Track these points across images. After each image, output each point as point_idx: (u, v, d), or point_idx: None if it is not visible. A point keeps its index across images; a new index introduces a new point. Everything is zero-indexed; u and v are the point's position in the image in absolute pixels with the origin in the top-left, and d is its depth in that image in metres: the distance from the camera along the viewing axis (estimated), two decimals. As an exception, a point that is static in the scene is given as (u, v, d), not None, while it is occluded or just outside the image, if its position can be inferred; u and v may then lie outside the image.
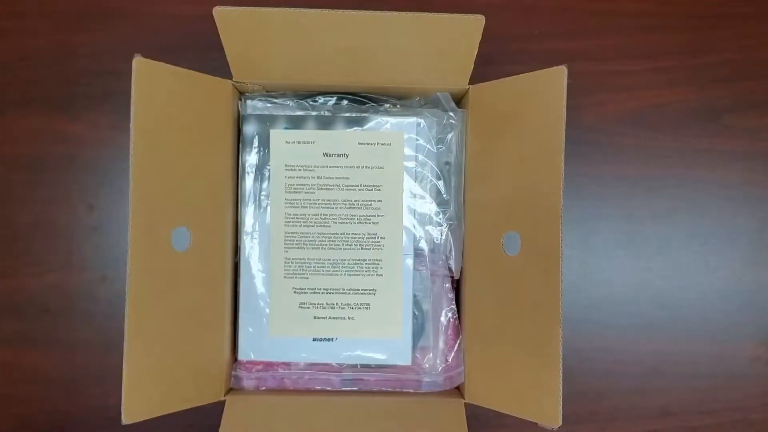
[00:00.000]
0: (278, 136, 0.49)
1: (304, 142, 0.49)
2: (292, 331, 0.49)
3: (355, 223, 0.49)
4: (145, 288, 0.40)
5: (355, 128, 0.49)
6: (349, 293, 0.49)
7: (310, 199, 0.49)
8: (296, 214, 0.49)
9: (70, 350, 0.53)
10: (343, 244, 0.49)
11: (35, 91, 0.54)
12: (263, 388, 0.49)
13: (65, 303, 0.53)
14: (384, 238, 0.49)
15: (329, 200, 0.49)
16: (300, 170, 0.49)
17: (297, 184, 0.49)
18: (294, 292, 0.49)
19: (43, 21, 0.55)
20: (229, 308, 0.48)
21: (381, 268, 0.49)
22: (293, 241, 0.49)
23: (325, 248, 0.49)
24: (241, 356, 0.49)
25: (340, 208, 0.49)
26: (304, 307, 0.49)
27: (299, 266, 0.49)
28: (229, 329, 0.49)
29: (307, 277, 0.49)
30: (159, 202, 0.42)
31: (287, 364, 0.49)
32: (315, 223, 0.49)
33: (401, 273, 0.49)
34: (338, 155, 0.49)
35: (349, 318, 0.49)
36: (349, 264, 0.49)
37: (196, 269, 0.45)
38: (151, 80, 0.41)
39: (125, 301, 0.39)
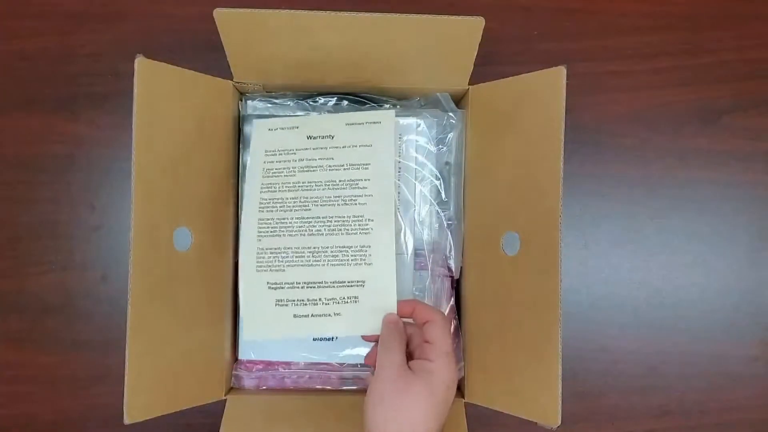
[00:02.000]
0: (262, 124, 0.45)
1: (288, 128, 0.45)
2: (268, 332, 0.43)
3: (339, 204, 0.43)
4: (146, 288, 0.41)
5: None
6: (334, 286, 0.42)
7: (288, 183, 0.43)
8: (272, 199, 0.43)
9: (70, 350, 0.53)
10: (324, 229, 0.43)
11: (36, 92, 0.54)
12: (264, 387, 0.49)
13: (66, 302, 0.54)
14: (372, 220, 0.43)
15: (310, 182, 0.43)
16: (280, 154, 0.44)
17: (276, 168, 0.43)
18: (269, 287, 0.42)
19: (43, 21, 0.55)
20: (230, 308, 0.49)
21: (369, 255, 0.42)
22: (267, 228, 0.43)
23: (304, 234, 0.43)
24: (242, 356, 0.49)
25: (323, 189, 0.43)
26: (282, 305, 0.42)
27: (274, 257, 0.42)
28: (230, 329, 0.49)
29: (284, 270, 0.42)
30: (161, 202, 0.42)
31: (288, 364, 0.49)
32: (293, 207, 0.43)
33: (394, 261, 0.43)
34: (323, 137, 0.44)
35: (335, 314, 0.42)
36: (332, 252, 0.42)
37: (197, 269, 0.45)
38: (153, 80, 0.41)
39: (127, 300, 0.39)
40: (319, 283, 0.42)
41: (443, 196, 0.50)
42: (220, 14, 0.41)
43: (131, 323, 0.40)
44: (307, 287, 0.42)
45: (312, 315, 0.42)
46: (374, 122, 0.45)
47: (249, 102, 0.50)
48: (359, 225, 0.43)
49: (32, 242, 0.54)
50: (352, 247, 0.43)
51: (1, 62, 0.54)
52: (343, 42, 0.43)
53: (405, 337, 0.40)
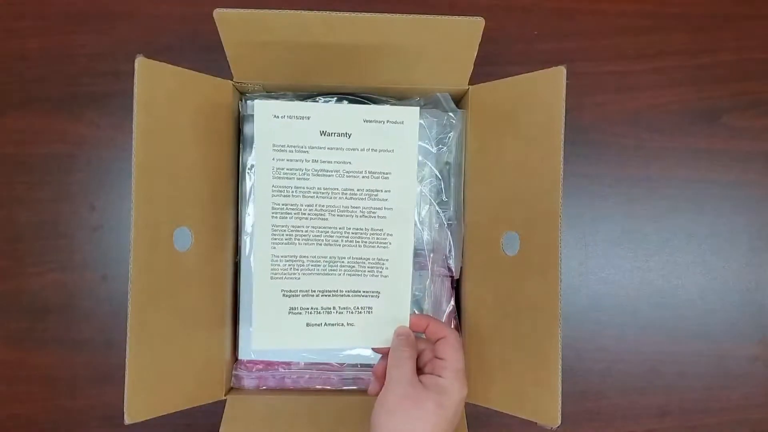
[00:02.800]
0: (264, 108, 0.41)
1: (297, 117, 0.41)
2: (280, 342, 0.43)
3: (357, 216, 0.42)
4: (146, 288, 0.41)
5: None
6: (349, 295, 0.43)
7: (303, 187, 0.41)
8: (286, 204, 0.41)
9: (71, 350, 0.54)
10: (342, 240, 0.42)
11: (36, 91, 0.54)
12: (264, 387, 0.49)
13: (66, 302, 0.54)
14: (391, 234, 0.42)
15: (326, 189, 0.42)
16: (291, 151, 0.41)
17: (287, 169, 0.41)
18: (283, 295, 0.42)
19: (43, 21, 0.55)
20: (229, 308, 0.49)
21: (387, 268, 0.43)
22: (282, 235, 0.42)
23: (320, 244, 0.42)
24: (242, 356, 0.49)
25: (340, 198, 0.42)
26: (295, 313, 0.42)
27: (289, 264, 0.42)
28: (230, 329, 0.49)
29: (299, 278, 0.42)
30: (161, 202, 0.42)
31: (288, 364, 0.49)
32: (309, 215, 0.42)
33: (411, 274, 0.43)
34: (338, 134, 0.41)
35: (348, 324, 0.43)
36: (348, 263, 0.42)
37: (197, 269, 0.45)
38: (153, 80, 0.41)
39: (127, 300, 0.39)
40: (334, 291, 0.42)
41: (443, 196, 0.50)
42: (220, 14, 0.41)
43: (131, 323, 0.40)
44: (322, 295, 0.42)
45: (325, 324, 0.42)
46: (396, 122, 0.42)
47: (249, 102, 0.50)
48: (378, 239, 0.42)
49: (32, 242, 0.54)
50: (369, 259, 0.42)
51: (1, 62, 0.54)
52: (342, 42, 0.43)
53: (416, 351, 0.41)
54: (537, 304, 0.42)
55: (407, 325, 0.42)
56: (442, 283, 0.50)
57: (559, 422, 0.40)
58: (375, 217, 0.42)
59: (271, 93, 0.50)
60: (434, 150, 0.49)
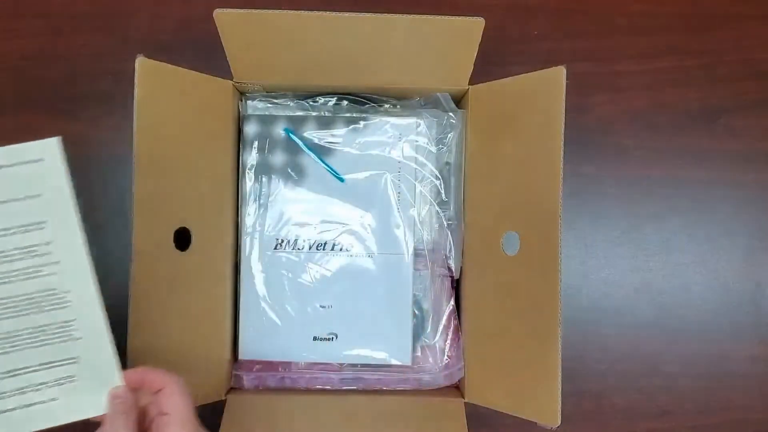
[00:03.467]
0: None
1: None
2: None
3: (19, 280, 0.35)
4: (146, 287, 0.41)
5: None
6: (41, 369, 0.36)
7: None
8: None
9: (71, 350, 0.53)
10: (8, 312, 0.35)
11: (36, 91, 0.54)
12: (264, 387, 0.49)
13: (66, 302, 0.54)
14: (68, 291, 0.36)
15: None
16: None
17: None
18: None
19: (43, 21, 0.55)
20: (230, 308, 0.49)
21: (76, 329, 0.36)
22: None
23: None
24: (242, 356, 0.49)
25: None
26: None
27: None
28: (230, 329, 0.49)
29: None
30: (161, 203, 0.42)
31: (288, 364, 0.49)
32: None
33: (106, 330, 0.37)
34: None
35: (51, 399, 0.36)
36: (27, 335, 0.36)
37: (197, 269, 0.45)
38: (153, 80, 0.41)
39: (127, 300, 0.40)
40: (20, 369, 0.36)
41: (443, 196, 0.50)
42: (220, 14, 0.41)
43: (131, 323, 0.40)
44: (8, 376, 0.36)
45: (23, 406, 0.36)
46: (32, 161, 0.35)
47: (249, 102, 0.50)
48: (54, 300, 0.36)
49: (32, 242, 0.54)
50: (50, 324, 0.36)
51: (1, 62, 0.54)
52: (343, 42, 0.43)
53: (135, 412, 0.36)
54: (537, 303, 0.42)
55: (120, 383, 0.37)
56: (442, 283, 0.50)
57: (559, 422, 0.40)
58: (41, 276, 0.36)
59: (271, 93, 0.50)
60: (434, 150, 0.49)
